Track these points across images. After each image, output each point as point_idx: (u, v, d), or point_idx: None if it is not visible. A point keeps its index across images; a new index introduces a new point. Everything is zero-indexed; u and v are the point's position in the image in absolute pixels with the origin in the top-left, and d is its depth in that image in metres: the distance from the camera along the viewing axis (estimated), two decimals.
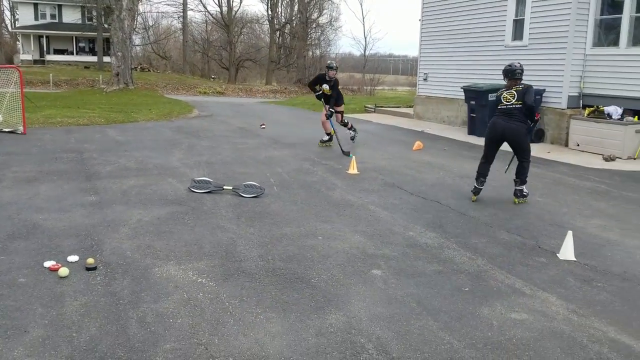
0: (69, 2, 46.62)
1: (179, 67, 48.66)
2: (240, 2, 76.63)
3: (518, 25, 13.40)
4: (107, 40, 38.59)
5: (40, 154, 9.40)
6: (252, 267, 4.55)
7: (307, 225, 5.78)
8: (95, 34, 42.28)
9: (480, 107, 13.22)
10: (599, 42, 12.06)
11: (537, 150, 10.84)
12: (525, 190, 7.07)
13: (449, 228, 5.84)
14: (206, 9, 63.96)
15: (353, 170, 8.55)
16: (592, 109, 11.63)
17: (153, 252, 4.84)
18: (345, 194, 7.20)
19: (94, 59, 44.59)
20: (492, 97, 13.03)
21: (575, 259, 4.97)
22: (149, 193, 6.92)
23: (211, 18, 48.09)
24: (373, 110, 20.21)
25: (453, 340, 3.47)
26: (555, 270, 4.73)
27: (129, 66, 26.15)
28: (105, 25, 38.01)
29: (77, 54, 48.74)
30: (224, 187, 7.08)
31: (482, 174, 7.09)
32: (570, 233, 5.12)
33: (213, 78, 45.27)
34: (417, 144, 11.24)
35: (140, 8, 42.94)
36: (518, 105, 6.84)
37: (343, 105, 11.38)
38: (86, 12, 46.44)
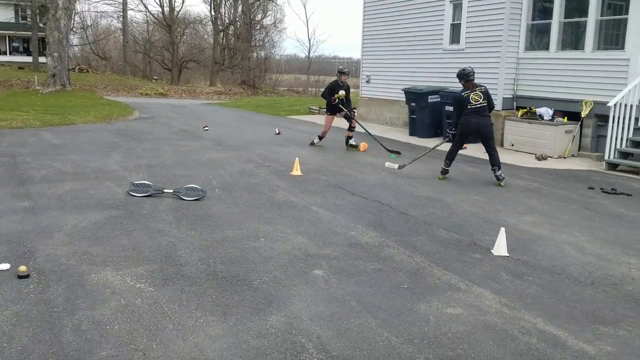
0: (1, 0, 44.62)
1: (119, 68, 47.36)
2: (183, 2, 75.37)
3: (455, 29, 13.80)
4: (42, 40, 37.12)
5: None
6: (192, 271, 4.51)
7: (249, 227, 5.77)
8: (30, 33, 40.63)
9: (420, 108, 13.55)
10: (531, 46, 12.59)
11: (474, 150, 11.20)
12: (502, 173, 8.47)
13: (389, 227, 5.97)
14: (147, 9, 62.37)
15: (296, 171, 8.59)
16: (525, 110, 12.12)
17: (89, 258, 4.72)
18: (289, 195, 7.23)
19: (29, 59, 42.82)
20: (432, 98, 13.43)
21: (508, 255, 5.18)
22: (86, 198, 6.73)
23: (152, 18, 47.12)
24: (317, 111, 20.33)
25: (391, 336, 3.56)
26: (489, 265, 4.91)
27: (66, 67, 25.32)
28: (41, 25, 36.56)
29: (10, 54, 46.76)
30: (165, 191, 6.97)
31: (450, 158, 8.66)
32: (503, 230, 5.34)
33: (155, 79, 44.34)
34: (363, 145, 11.42)
35: (78, 7, 41.57)
36: (484, 104, 8.28)
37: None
38: (20, 11, 44.58)
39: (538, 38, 12.57)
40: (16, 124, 13.76)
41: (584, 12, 11.37)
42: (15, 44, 48.02)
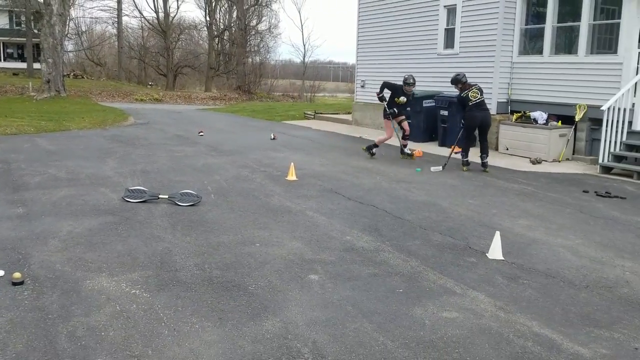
0: None
1: (114, 73, 47.28)
2: (178, 7, 75.38)
3: (449, 34, 13.87)
4: (37, 46, 37.06)
5: None
6: (188, 277, 4.50)
7: (244, 232, 5.77)
8: (25, 39, 40.56)
9: (415, 113, 13.56)
10: (524, 51, 12.65)
11: (470, 155, 11.20)
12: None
13: (384, 231, 5.97)
14: (142, 14, 61.95)
15: (292, 176, 8.60)
16: (519, 114, 12.17)
17: (84, 264, 4.71)
18: (284, 200, 7.23)
19: (24, 65, 42.80)
20: (427, 103, 13.48)
21: (503, 258, 5.20)
22: (81, 204, 6.71)
23: (147, 24, 47.10)
24: (313, 116, 20.36)
25: (387, 340, 3.56)
26: (484, 269, 4.93)
27: (60, 73, 25.27)
28: (35, 31, 36.50)
29: (4, 60, 46.68)
30: (160, 196, 6.96)
31: (466, 151, 10.00)
32: (498, 233, 5.36)
33: (150, 85, 44.28)
34: (418, 152, 11.45)
35: (73, 13, 41.57)
36: (482, 98, 9.63)
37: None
38: (14, 17, 44.52)
39: (532, 42, 12.64)
40: (10, 130, 13.72)
41: (577, 17, 11.45)
42: (9, 50, 47.96)
